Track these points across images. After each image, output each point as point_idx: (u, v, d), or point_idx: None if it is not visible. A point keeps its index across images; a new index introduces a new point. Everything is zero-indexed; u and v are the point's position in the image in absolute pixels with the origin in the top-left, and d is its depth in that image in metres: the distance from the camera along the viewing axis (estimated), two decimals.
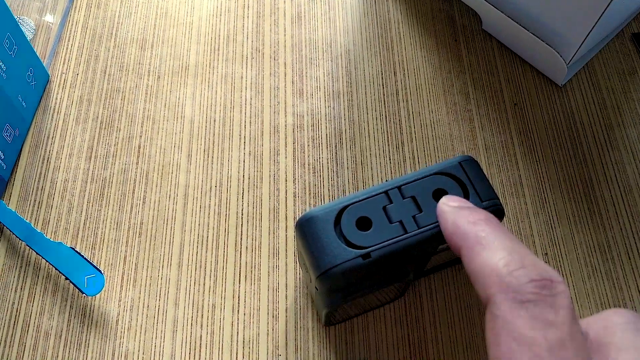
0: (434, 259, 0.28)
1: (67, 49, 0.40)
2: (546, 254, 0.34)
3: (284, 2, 0.42)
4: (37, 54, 0.39)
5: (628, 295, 0.33)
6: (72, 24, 0.41)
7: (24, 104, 0.36)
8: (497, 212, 0.26)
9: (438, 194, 0.26)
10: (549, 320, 0.18)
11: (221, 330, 0.31)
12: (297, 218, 0.34)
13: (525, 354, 0.17)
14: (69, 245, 0.33)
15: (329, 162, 0.36)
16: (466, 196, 0.26)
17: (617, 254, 0.34)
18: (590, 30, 0.35)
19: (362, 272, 0.24)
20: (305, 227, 0.25)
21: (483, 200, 0.26)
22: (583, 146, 0.37)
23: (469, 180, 0.26)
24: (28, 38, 0.40)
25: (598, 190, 0.36)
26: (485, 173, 0.36)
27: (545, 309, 0.18)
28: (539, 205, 0.35)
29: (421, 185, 0.26)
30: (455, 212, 0.23)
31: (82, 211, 0.35)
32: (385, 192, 0.26)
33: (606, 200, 0.35)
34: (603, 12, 0.33)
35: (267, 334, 0.31)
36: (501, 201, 0.35)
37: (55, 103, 0.38)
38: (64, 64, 0.40)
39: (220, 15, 0.42)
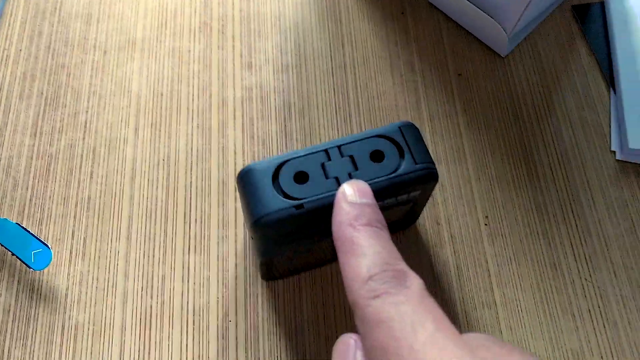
0: None
1: (9, 25, 0.39)
2: (486, 216, 0.35)
3: None
4: None
5: (562, 252, 0.34)
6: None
7: None
8: (431, 175, 0.27)
9: (375, 155, 0.27)
10: (400, 301, 0.19)
11: (171, 300, 0.32)
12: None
13: (386, 335, 0.18)
14: (14, 221, 0.33)
15: (278, 134, 0.37)
16: (402, 157, 0.27)
17: (553, 215, 0.35)
18: (529, 2, 0.36)
19: (294, 222, 0.25)
20: (245, 179, 0.26)
21: (417, 162, 0.27)
22: (523, 114, 0.38)
23: (406, 144, 0.27)
24: None
25: (536, 154, 0.37)
26: (430, 141, 0.37)
27: (398, 295, 0.19)
28: (481, 170, 0.36)
29: (360, 145, 0.27)
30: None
31: (27, 187, 0.34)
32: (325, 150, 0.27)
33: (544, 165, 0.37)
34: None
35: (217, 301, 0.32)
36: (436, 165, 0.36)
37: None
38: (6, 39, 0.39)
39: None
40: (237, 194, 0.35)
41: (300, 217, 0.25)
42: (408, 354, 0.18)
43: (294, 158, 0.26)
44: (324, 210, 0.25)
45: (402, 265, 0.21)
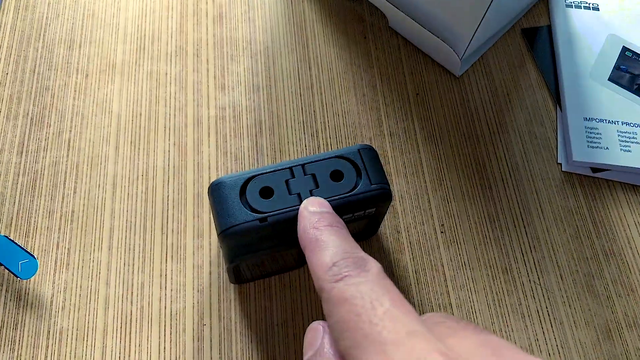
0: None
1: None
2: (442, 224, 0.38)
3: (206, 3, 0.45)
4: None
5: (513, 257, 0.37)
6: (0, 26, 0.43)
7: None
8: (385, 195, 0.30)
9: (335, 175, 0.30)
10: (360, 281, 0.22)
11: (150, 306, 0.34)
12: None
13: (348, 311, 0.21)
14: (2, 234, 0.35)
15: (250, 150, 0.40)
16: (359, 177, 0.30)
17: (504, 223, 0.38)
18: (477, 27, 0.39)
19: (258, 233, 0.28)
20: (215, 191, 0.29)
21: (372, 183, 0.30)
22: (477, 130, 0.42)
23: (363, 165, 0.30)
24: None
25: (489, 167, 0.40)
26: (390, 156, 0.40)
27: (358, 277, 0.22)
28: (437, 183, 0.39)
29: (322, 165, 0.30)
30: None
31: (14, 202, 0.37)
32: (290, 168, 0.29)
33: (496, 177, 0.40)
34: (486, 11, 0.38)
35: (193, 306, 0.34)
36: (396, 178, 0.39)
37: None
38: None
39: (146, 16, 0.44)
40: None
41: (264, 229, 0.28)
42: (368, 327, 0.20)
43: (261, 174, 0.29)
44: (286, 223, 0.28)
45: (362, 254, 0.24)
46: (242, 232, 0.28)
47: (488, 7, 0.37)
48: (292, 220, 0.28)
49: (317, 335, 0.23)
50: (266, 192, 0.29)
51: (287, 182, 0.29)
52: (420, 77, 0.43)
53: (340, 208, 0.29)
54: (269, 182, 0.29)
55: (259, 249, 0.30)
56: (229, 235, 0.28)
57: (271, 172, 0.29)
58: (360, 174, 0.30)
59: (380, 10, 0.45)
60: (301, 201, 0.28)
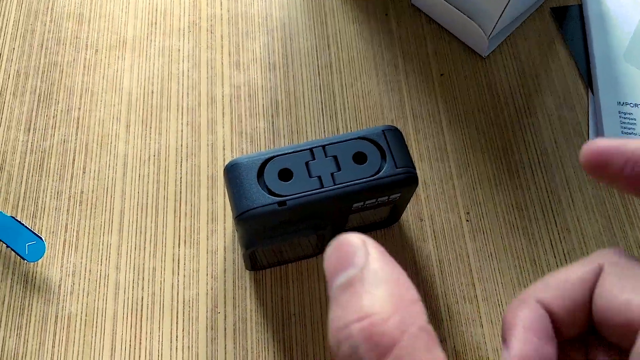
0: (353, 218, 0.30)
1: (1, 24, 0.40)
2: (468, 212, 0.36)
3: None
4: None
5: (542, 249, 0.36)
6: None
7: None
8: (411, 178, 0.28)
9: (358, 157, 0.28)
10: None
11: (162, 292, 0.33)
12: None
13: None
14: (9, 214, 0.33)
15: (266, 131, 0.38)
16: (384, 160, 0.28)
17: (533, 212, 0.37)
18: (507, 4, 0.37)
19: (277, 217, 0.26)
20: (231, 173, 0.27)
21: (398, 166, 0.28)
22: (504, 113, 0.40)
23: (388, 148, 0.28)
24: None
25: (517, 153, 0.38)
26: (413, 140, 0.38)
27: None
28: (462, 168, 0.38)
29: (344, 146, 0.28)
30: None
31: (22, 181, 0.35)
32: (310, 149, 0.28)
33: (524, 163, 0.38)
34: None
35: (207, 293, 0.33)
36: (419, 163, 0.37)
37: None
38: None
39: None
40: (226, 191, 0.36)
41: (283, 213, 0.26)
42: None
43: (280, 155, 0.27)
44: (307, 208, 0.26)
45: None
46: (260, 216, 0.26)
47: None
48: (313, 205, 0.26)
49: (357, 251, 0.16)
50: (285, 174, 0.27)
51: (307, 164, 0.27)
52: (444, 57, 0.41)
53: (364, 193, 0.27)
54: (288, 164, 0.27)
55: (277, 235, 0.28)
56: (245, 219, 0.26)
57: (290, 153, 0.28)
58: (385, 157, 0.28)
59: None
60: (321, 185, 0.27)
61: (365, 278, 0.15)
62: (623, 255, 0.18)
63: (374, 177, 0.28)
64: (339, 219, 0.30)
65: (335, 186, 0.27)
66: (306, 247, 0.31)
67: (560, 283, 0.18)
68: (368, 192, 0.27)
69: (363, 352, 0.14)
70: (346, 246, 0.16)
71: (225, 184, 0.28)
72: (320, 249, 0.33)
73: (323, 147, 0.28)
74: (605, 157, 0.18)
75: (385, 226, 0.35)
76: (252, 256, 0.30)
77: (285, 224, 0.27)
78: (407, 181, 0.28)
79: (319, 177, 0.27)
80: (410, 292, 0.15)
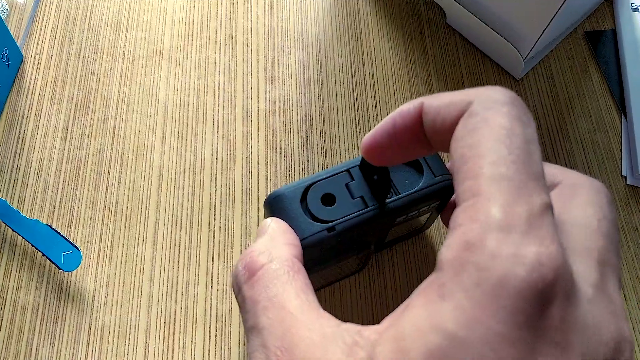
0: (392, 230, 0.30)
1: (40, 30, 0.40)
2: None
3: None
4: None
5: None
6: (45, 5, 0.41)
7: None
8: (450, 186, 0.28)
9: (394, 171, 0.28)
10: None
11: (195, 305, 0.33)
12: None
13: None
14: (45, 223, 0.34)
15: (300, 146, 0.38)
16: (420, 172, 0.28)
17: None
18: (546, 28, 0.37)
19: (327, 244, 0.26)
20: (274, 205, 0.27)
21: (436, 175, 0.28)
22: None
23: (424, 159, 0.28)
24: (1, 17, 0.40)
25: None
26: (445, 161, 0.38)
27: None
28: None
29: None
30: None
31: (57, 190, 0.35)
32: (347, 171, 0.28)
33: None
34: (557, 11, 0.36)
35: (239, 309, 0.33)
36: None
37: (30, 83, 0.38)
38: (37, 44, 0.40)
39: (194, 1, 0.43)
40: (260, 204, 0.36)
41: (333, 239, 0.26)
42: None
43: (318, 181, 0.27)
44: (354, 230, 0.26)
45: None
46: (312, 245, 0.26)
47: (561, 6, 0.35)
48: (360, 226, 0.26)
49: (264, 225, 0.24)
50: (328, 200, 0.27)
51: (347, 185, 0.27)
52: (478, 78, 0.41)
53: (407, 205, 0.27)
54: (329, 188, 0.27)
55: (327, 260, 0.28)
56: None
57: (329, 177, 0.27)
58: (421, 169, 0.28)
59: (439, 4, 0.43)
60: (365, 205, 0.27)
61: (257, 235, 0.23)
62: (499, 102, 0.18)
63: (415, 188, 0.28)
64: (381, 234, 0.30)
65: (379, 204, 0.27)
66: (349, 266, 0.31)
67: (443, 101, 0.19)
68: (411, 204, 0.27)
69: (240, 276, 0.21)
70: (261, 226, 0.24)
71: (267, 216, 0.28)
72: (362, 266, 0.32)
73: (358, 166, 0.28)
74: (379, 144, 0.21)
75: (418, 233, 0.35)
76: None
77: (334, 248, 0.27)
78: (447, 189, 0.28)
79: (362, 197, 0.27)
80: (286, 237, 0.23)
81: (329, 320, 0.18)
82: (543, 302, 0.14)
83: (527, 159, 0.16)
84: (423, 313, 0.15)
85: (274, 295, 0.19)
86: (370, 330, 0.17)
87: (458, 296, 0.15)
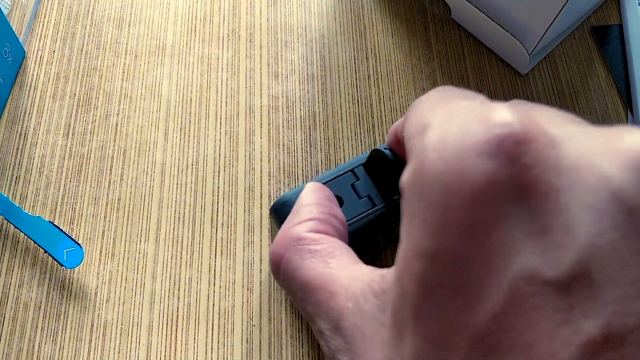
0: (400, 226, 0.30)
1: (43, 25, 0.40)
2: None
3: None
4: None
5: None
6: (47, 1, 0.41)
7: (0, 79, 0.36)
8: None
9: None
10: None
11: (197, 302, 0.33)
12: (272, 201, 0.35)
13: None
14: (47, 219, 0.33)
15: (303, 143, 0.38)
16: None
17: None
18: (552, 23, 0.37)
19: None
20: (280, 211, 0.27)
21: None
22: None
23: None
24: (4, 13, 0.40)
25: None
26: None
27: None
28: None
29: None
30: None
31: (60, 187, 0.35)
32: (352, 170, 0.27)
33: None
34: (563, 6, 0.35)
35: (242, 305, 0.33)
36: None
37: (32, 79, 0.38)
38: (39, 40, 0.40)
39: None
40: (263, 201, 0.35)
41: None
42: None
43: (324, 183, 0.27)
44: (364, 230, 0.26)
45: None
46: None
47: (567, 1, 0.35)
48: (370, 225, 0.26)
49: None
50: None
51: (353, 185, 0.27)
52: (483, 73, 0.41)
53: None
54: (335, 190, 0.27)
55: None
56: None
57: (334, 178, 0.27)
58: None
59: None
60: (374, 204, 0.26)
61: None
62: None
63: None
64: (389, 231, 0.29)
65: (386, 202, 0.26)
66: None
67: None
68: None
69: (271, 270, 0.22)
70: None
71: (273, 223, 0.28)
72: (371, 263, 0.32)
73: (363, 165, 0.28)
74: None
75: None
76: None
77: None
78: None
79: (369, 196, 0.27)
80: (298, 217, 0.22)
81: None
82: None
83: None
84: (403, 244, 0.16)
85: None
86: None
87: (420, 212, 0.15)
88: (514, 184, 0.14)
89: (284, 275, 0.21)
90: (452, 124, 0.15)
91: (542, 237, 0.13)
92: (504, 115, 0.14)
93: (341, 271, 0.19)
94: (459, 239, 0.14)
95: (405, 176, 0.16)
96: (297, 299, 0.20)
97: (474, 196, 0.14)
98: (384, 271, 0.18)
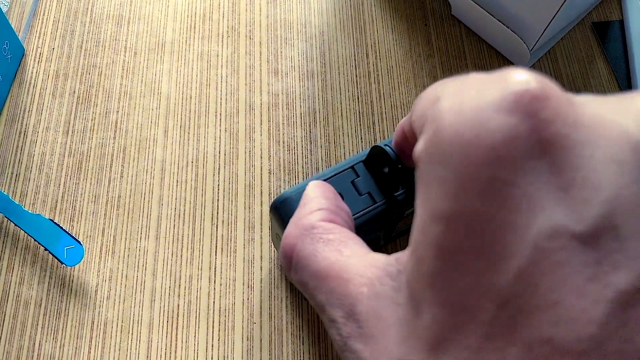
0: (401, 222, 0.30)
1: (42, 23, 0.40)
2: None
3: None
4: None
5: None
6: None
7: None
8: None
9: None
10: None
11: (198, 300, 0.33)
12: (272, 199, 0.35)
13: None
14: (47, 217, 0.33)
15: (303, 140, 0.38)
16: None
17: None
18: (552, 19, 0.37)
19: None
20: (281, 208, 0.27)
21: None
22: None
23: None
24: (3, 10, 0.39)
25: None
26: None
27: None
28: None
29: None
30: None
31: (60, 184, 0.35)
32: (352, 167, 0.27)
33: None
34: (564, 1, 0.35)
35: (243, 303, 0.33)
36: None
37: (31, 77, 0.38)
38: (39, 38, 0.40)
39: None
40: (264, 198, 0.35)
41: None
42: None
43: (324, 180, 0.27)
44: (365, 227, 0.26)
45: None
46: None
47: None
48: (371, 222, 0.26)
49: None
50: None
51: (353, 182, 0.27)
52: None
53: (414, 197, 0.27)
54: (335, 187, 0.27)
55: None
56: None
57: (334, 175, 0.27)
58: None
59: None
60: (374, 201, 0.26)
61: None
62: None
63: None
64: (389, 227, 0.29)
65: (387, 198, 0.26)
66: None
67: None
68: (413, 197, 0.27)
69: (281, 263, 0.22)
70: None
71: (274, 220, 0.27)
72: None
73: (363, 162, 0.28)
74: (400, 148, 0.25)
75: None
76: None
77: None
78: None
79: (369, 193, 0.26)
80: (308, 208, 0.22)
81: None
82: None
83: None
84: (418, 213, 0.15)
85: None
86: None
87: (437, 176, 0.14)
88: (535, 138, 0.13)
89: (295, 265, 0.20)
90: (467, 88, 0.15)
91: (565, 192, 0.13)
92: (520, 74, 0.14)
93: (355, 260, 0.19)
94: (481, 197, 0.13)
95: (419, 146, 0.16)
96: (309, 288, 0.19)
97: (495, 152, 0.13)
98: (399, 254, 0.17)
